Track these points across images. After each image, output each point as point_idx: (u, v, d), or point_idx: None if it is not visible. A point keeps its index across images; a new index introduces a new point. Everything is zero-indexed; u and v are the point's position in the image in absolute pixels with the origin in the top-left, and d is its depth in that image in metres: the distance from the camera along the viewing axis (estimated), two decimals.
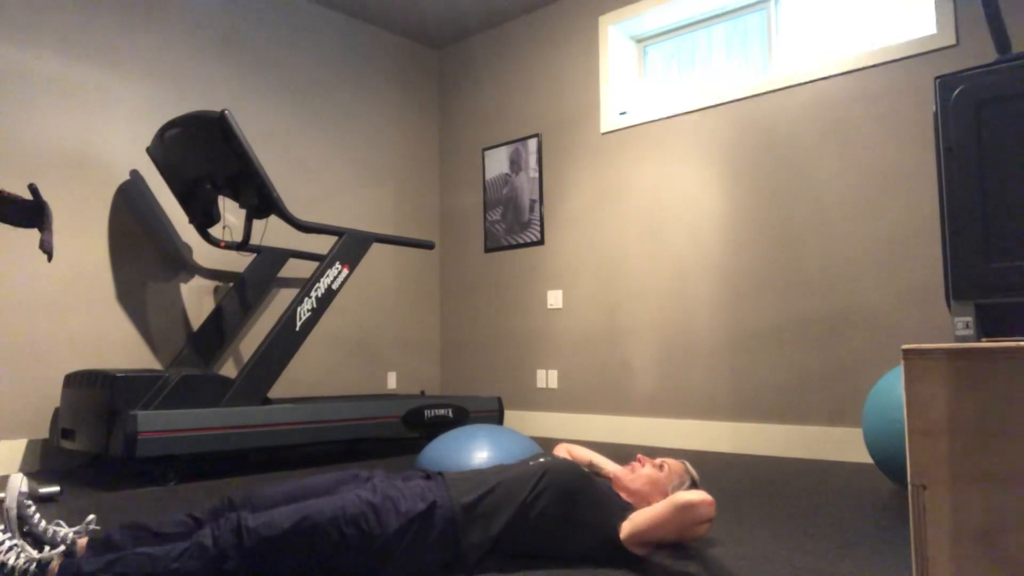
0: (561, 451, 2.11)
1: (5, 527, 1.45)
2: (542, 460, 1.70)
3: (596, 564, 1.61)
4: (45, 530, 1.49)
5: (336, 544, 1.43)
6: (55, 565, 1.36)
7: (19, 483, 1.51)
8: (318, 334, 4.36)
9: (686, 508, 1.48)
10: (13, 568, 1.36)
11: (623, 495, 1.75)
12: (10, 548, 1.38)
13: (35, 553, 1.38)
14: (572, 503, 1.59)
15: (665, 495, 1.76)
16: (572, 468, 1.65)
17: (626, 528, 1.56)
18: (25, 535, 1.48)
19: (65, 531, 1.51)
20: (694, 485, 1.82)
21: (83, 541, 1.50)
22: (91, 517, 1.55)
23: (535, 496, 1.58)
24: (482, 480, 1.62)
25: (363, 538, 1.45)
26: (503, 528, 1.56)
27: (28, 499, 1.51)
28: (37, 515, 1.52)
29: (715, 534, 1.93)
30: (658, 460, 1.83)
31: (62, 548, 1.40)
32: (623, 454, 3.57)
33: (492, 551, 1.58)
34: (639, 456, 1.85)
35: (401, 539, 1.47)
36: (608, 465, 1.96)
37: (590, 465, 1.99)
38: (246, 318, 4.01)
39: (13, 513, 1.48)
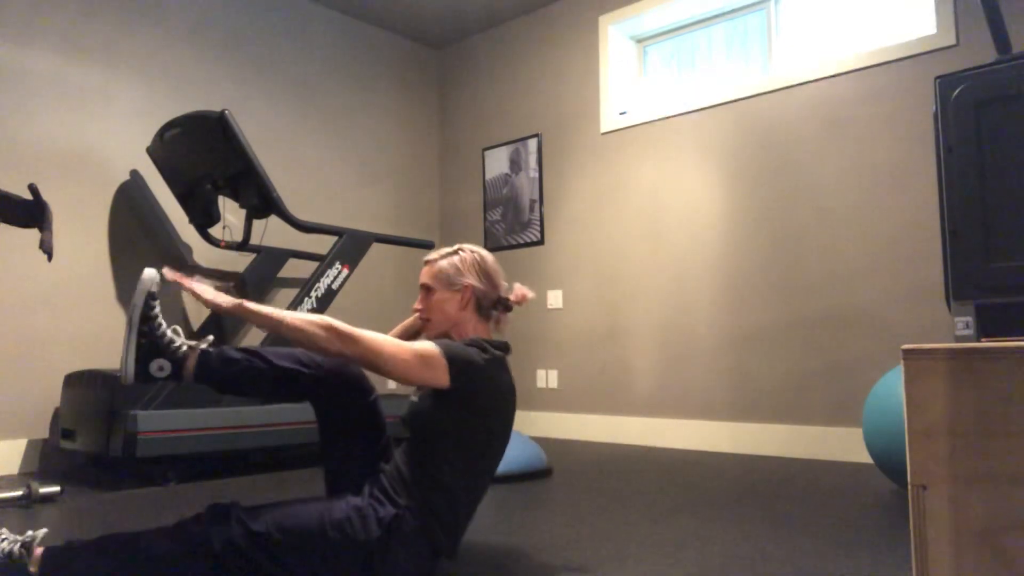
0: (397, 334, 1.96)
1: (128, 322, 1.48)
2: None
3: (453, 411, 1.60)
4: (163, 334, 1.51)
5: (320, 546, 1.41)
6: (37, 547, 1.36)
7: (151, 281, 1.52)
8: None
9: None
10: None
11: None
12: None
13: (18, 536, 1.39)
14: (443, 418, 1.57)
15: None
16: (414, 417, 1.63)
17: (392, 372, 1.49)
18: (143, 335, 1.49)
19: (181, 341, 1.53)
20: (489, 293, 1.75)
21: (195, 357, 1.52)
22: None
23: (435, 463, 1.56)
24: (397, 481, 1.59)
25: (346, 542, 1.42)
26: (441, 509, 1.54)
27: (155, 299, 1.52)
28: (160, 317, 1.52)
29: (715, 534, 1.93)
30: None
31: (44, 531, 1.40)
32: (623, 454, 3.58)
33: (460, 527, 1.57)
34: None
35: (384, 543, 1.45)
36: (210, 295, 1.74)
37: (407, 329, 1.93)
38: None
39: (138, 311, 1.49)
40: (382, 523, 1.45)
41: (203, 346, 1.55)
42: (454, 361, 1.52)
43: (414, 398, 1.66)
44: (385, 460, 1.67)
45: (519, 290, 1.80)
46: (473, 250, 1.76)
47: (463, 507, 1.58)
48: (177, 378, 1.52)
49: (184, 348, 1.53)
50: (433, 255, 1.76)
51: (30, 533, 1.39)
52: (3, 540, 1.39)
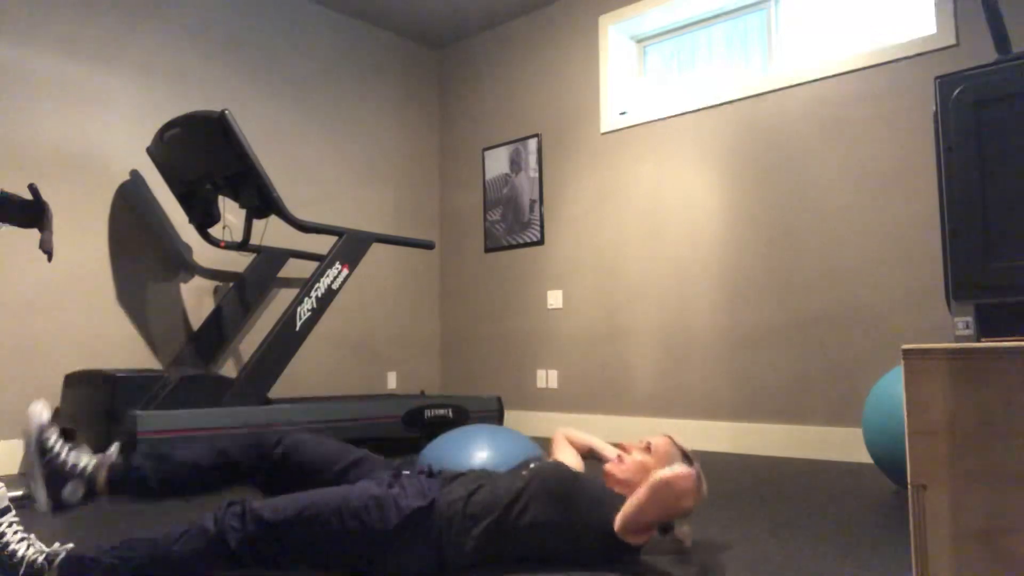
0: (559, 437, 2.06)
1: (27, 458, 1.53)
2: (532, 466, 1.69)
3: (602, 563, 1.60)
4: (64, 462, 1.55)
5: (337, 534, 1.44)
6: (59, 561, 1.37)
7: (39, 413, 1.57)
8: (318, 334, 4.36)
9: (663, 486, 1.47)
10: (23, 558, 1.37)
11: (616, 488, 1.72)
12: (22, 539, 1.39)
13: (44, 547, 1.39)
14: (563, 508, 1.57)
15: None
16: (560, 473, 1.63)
17: (617, 520, 1.55)
18: (45, 467, 1.54)
19: (86, 461, 1.57)
20: (686, 459, 1.76)
21: (104, 472, 1.57)
22: (112, 450, 1.63)
23: (522, 508, 1.55)
24: (470, 483, 1.61)
25: (364, 531, 1.45)
26: (483, 533, 1.53)
27: (47, 430, 1.57)
28: (58, 444, 1.56)
29: (715, 534, 1.93)
30: (644, 440, 1.79)
31: (71, 547, 1.41)
32: None
33: (480, 559, 1.55)
34: (622, 444, 1.80)
35: (399, 535, 1.47)
36: (608, 450, 1.93)
37: (590, 452, 1.98)
38: (246, 318, 4.01)
39: (33, 446, 1.54)
40: (401, 512, 1.48)
41: (110, 460, 1.59)
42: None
43: (551, 459, 1.76)
44: (356, 469, 1.70)
45: (685, 532, 1.71)
46: (701, 477, 1.71)
47: (482, 561, 1.57)
48: (92, 496, 1.56)
49: (91, 467, 1.58)
50: (673, 448, 1.76)
51: (57, 545, 1.40)
52: (30, 547, 1.39)
